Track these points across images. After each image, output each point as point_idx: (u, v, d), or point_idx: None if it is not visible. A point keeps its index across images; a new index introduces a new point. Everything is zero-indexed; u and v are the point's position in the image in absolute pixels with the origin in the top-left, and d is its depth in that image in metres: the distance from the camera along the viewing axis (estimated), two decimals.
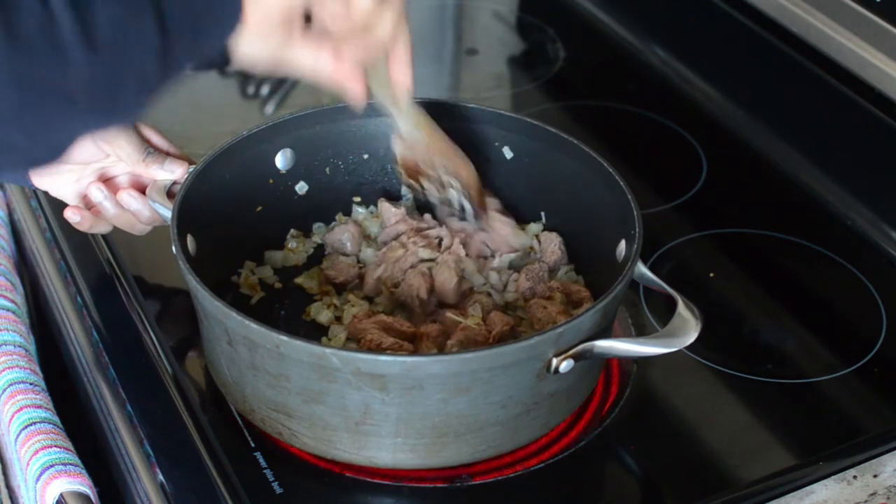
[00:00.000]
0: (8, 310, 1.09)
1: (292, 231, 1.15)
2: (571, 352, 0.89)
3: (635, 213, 0.98)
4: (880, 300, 1.15)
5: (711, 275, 1.19)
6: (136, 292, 1.10)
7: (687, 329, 0.91)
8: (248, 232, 1.11)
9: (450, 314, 1.02)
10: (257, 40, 0.82)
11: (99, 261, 1.15)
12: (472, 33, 1.69)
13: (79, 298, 1.12)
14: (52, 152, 0.77)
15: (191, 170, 1.04)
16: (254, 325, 0.87)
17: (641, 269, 0.98)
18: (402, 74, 0.95)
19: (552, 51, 1.59)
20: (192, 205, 1.00)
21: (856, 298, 1.16)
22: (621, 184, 1.01)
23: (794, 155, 1.36)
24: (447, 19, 1.70)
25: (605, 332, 0.93)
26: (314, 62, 0.86)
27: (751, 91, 1.45)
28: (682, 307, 0.93)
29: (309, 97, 1.44)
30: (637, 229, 0.97)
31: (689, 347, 0.91)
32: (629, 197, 1.00)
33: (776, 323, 1.15)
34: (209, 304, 0.90)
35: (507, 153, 1.13)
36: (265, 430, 0.95)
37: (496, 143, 1.13)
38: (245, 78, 1.49)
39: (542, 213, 1.14)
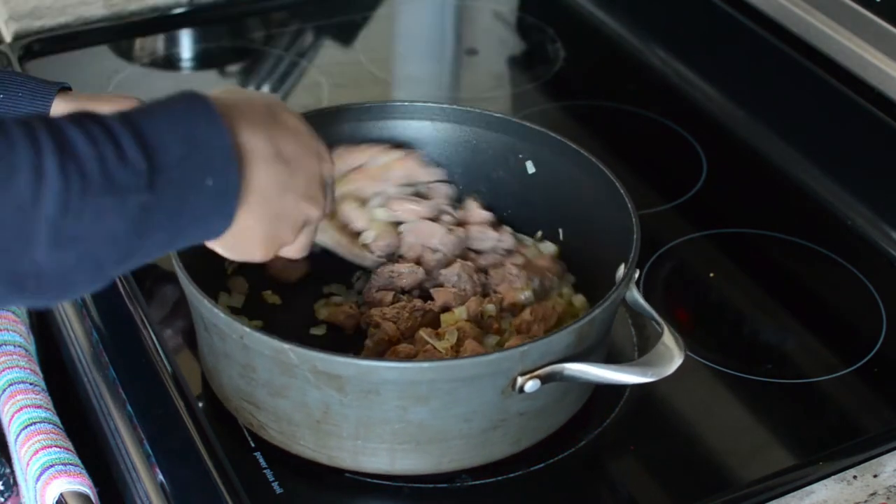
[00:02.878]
0: (8, 310, 1.09)
1: None
2: (538, 372, 0.86)
3: (635, 236, 0.96)
4: (880, 300, 1.15)
5: (711, 275, 1.19)
6: (136, 292, 1.10)
7: (668, 359, 0.88)
8: None
9: (423, 334, 0.98)
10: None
11: None
12: (472, 33, 1.69)
13: (79, 298, 1.11)
14: None
15: None
16: (221, 314, 0.88)
17: (634, 294, 0.96)
18: None
19: (552, 51, 1.59)
20: None
21: (856, 298, 1.16)
22: (629, 206, 0.99)
23: (794, 155, 1.36)
24: (447, 19, 1.70)
25: (584, 355, 0.89)
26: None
27: (751, 91, 1.45)
28: (666, 336, 0.90)
29: (309, 98, 1.44)
30: (633, 254, 0.95)
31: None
32: (634, 221, 0.98)
33: (776, 323, 1.15)
34: (188, 289, 0.91)
35: (531, 168, 1.11)
36: (238, 419, 0.95)
37: (520, 156, 1.12)
38: (245, 78, 1.49)
39: (560, 231, 1.12)
